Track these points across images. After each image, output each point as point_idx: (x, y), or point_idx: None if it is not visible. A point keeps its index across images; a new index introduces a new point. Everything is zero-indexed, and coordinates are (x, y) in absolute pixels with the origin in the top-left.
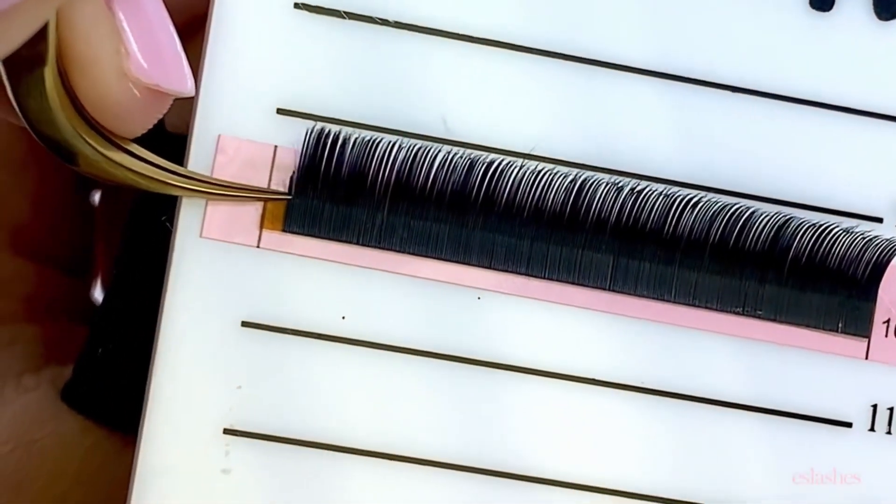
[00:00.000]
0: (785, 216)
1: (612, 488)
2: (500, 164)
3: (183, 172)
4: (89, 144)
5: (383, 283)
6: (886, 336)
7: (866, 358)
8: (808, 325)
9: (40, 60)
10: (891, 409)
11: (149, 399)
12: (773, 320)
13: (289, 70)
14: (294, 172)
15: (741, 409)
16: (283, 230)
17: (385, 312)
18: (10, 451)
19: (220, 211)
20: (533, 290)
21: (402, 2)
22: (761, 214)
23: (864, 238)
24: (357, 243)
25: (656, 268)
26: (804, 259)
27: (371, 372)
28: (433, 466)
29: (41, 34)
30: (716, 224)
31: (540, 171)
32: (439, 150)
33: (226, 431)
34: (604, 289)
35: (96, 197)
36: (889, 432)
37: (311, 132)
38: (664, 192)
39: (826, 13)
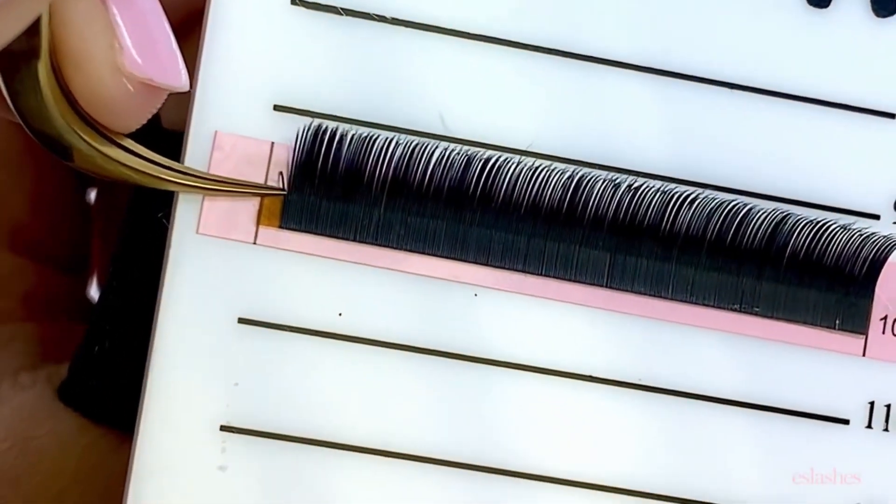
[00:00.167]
0: (782, 213)
1: (610, 485)
2: (496, 160)
3: (179, 168)
4: (83, 139)
5: (380, 279)
6: (884, 333)
7: (863, 355)
8: (805, 322)
9: (34, 55)
10: (888, 406)
11: (145, 396)
12: (770, 317)
13: (285, 66)
14: (290, 168)
15: (738, 405)
16: (280, 227)
17: (382, 309)
18: (7, 448)
19: (217, 207)
20: (529, 287)
21: None
22: (758, 211)
23: (861, 235)
24: (354, 240)
25: (653, 264)
26: (801, 256)
27: (368, 368)
28: (429, 463)
29: (34, 28)
30: (713, 221)
31: (537, 168)
32: (436, 147)
33: (222, 428)
34: (601, 285)
35: (92, 195)
36: (886, 429)
37: (308, 129)
38: (661, 189)
39: (823, 10)
